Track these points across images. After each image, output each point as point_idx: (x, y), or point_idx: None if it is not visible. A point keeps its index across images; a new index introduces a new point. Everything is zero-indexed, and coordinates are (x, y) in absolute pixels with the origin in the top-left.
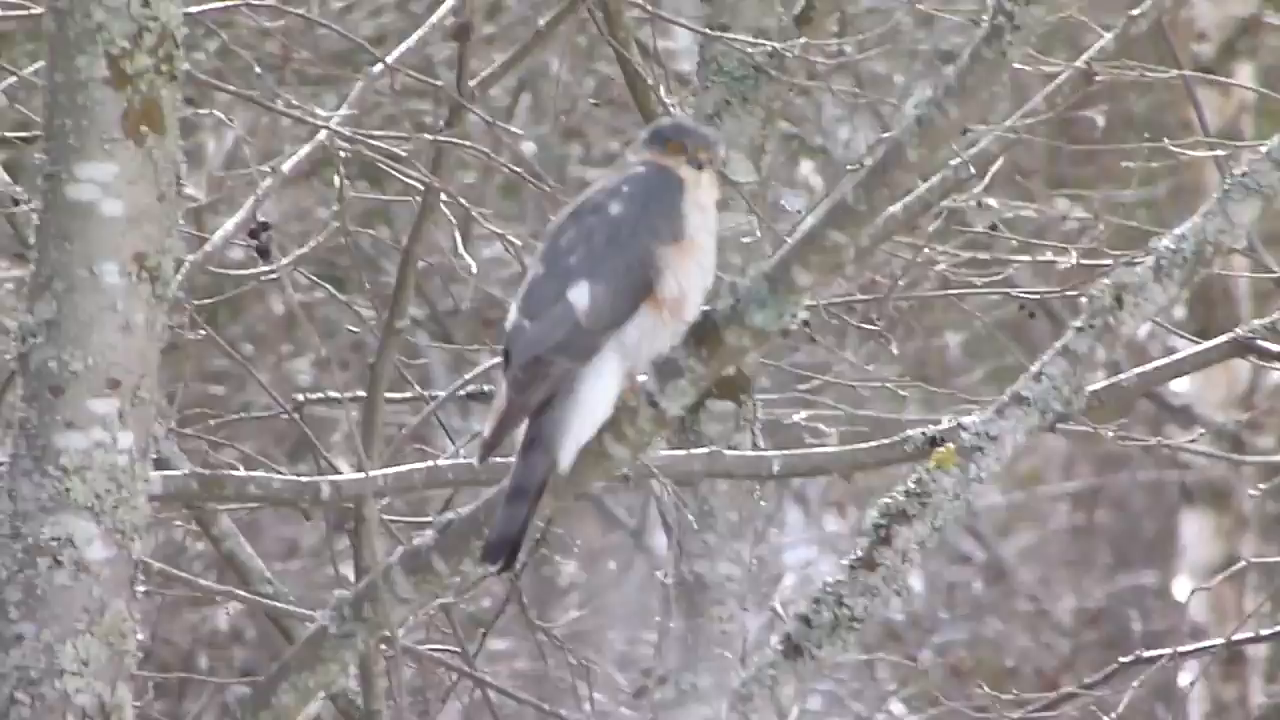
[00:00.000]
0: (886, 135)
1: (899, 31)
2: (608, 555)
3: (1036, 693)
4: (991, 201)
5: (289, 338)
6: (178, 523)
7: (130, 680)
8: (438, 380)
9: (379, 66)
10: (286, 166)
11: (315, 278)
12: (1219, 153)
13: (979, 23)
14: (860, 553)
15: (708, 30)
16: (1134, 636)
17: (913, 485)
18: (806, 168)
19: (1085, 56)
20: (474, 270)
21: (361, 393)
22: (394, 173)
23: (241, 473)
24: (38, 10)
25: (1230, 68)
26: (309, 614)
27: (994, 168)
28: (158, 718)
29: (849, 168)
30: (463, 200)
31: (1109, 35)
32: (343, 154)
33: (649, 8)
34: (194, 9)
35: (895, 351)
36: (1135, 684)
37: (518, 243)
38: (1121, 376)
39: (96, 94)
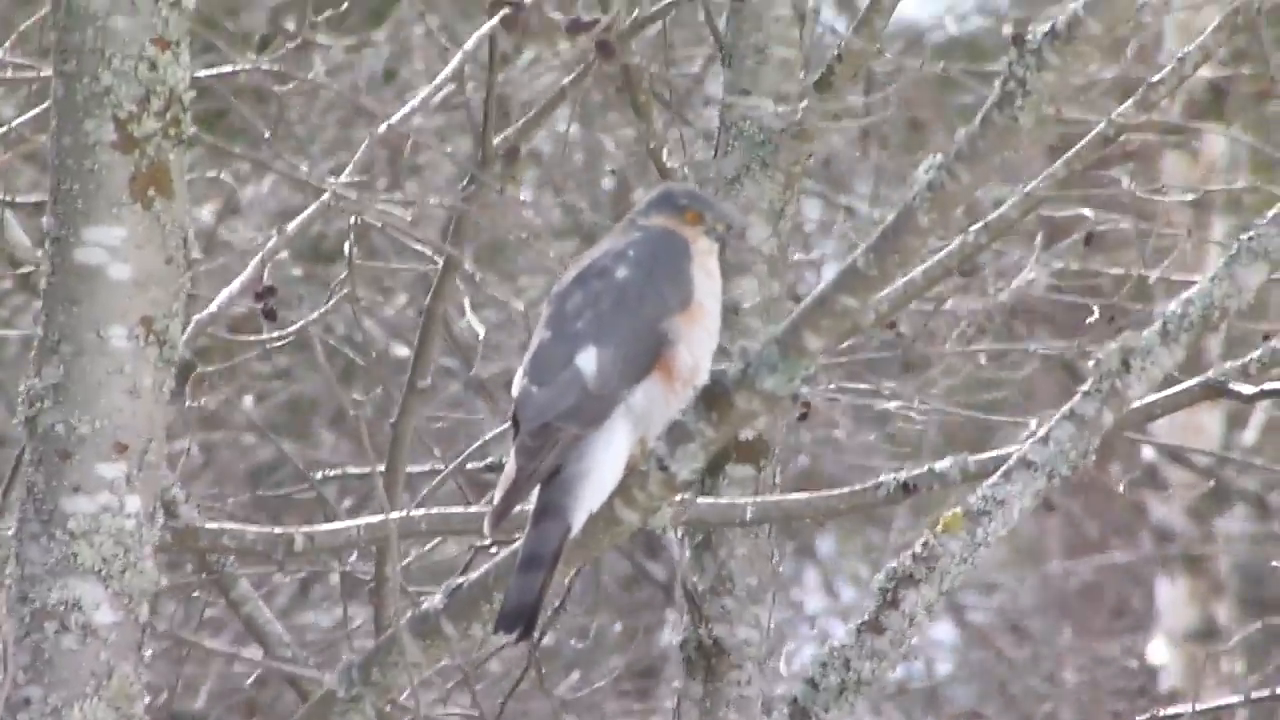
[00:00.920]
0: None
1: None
2: (638, 610)
3: None
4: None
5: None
6: (196, 594)
7: None
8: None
9: (383, 127)
10: (291, 228)
11: (333, 342)
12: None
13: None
14: (867, 616)
15: (728, 97)
16: (1108, 700)
17: (920, 549)
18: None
19: (1105, 122)
20: (481, 335)
21: (381, 467)
22: (407, 238)
23: (214, 524)
24: (45, 73)
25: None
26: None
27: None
28: None
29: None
30: (468, 264)
31: (1129, 102)
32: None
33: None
34: (201, 73)
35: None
36: None
37: (520, 308)
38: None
39: (104, 157)
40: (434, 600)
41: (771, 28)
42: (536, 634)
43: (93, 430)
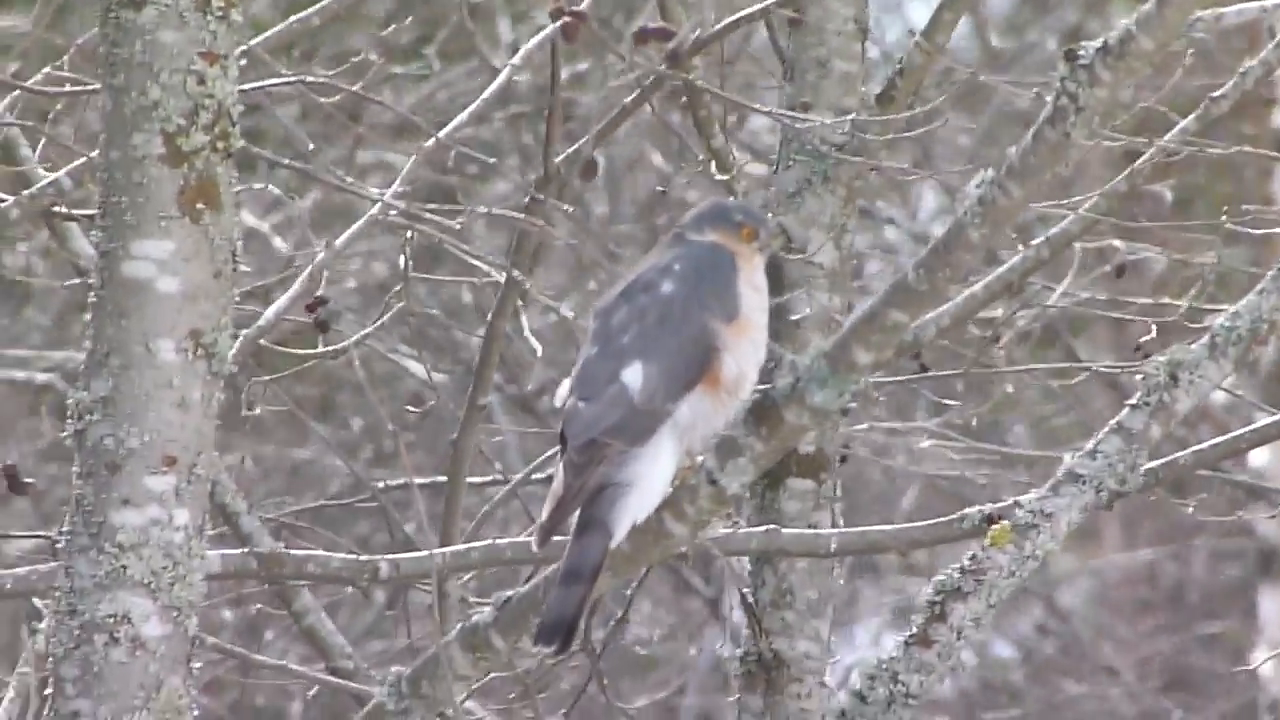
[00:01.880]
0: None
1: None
2: (682, 625)
3: None
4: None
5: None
6: (258, 605)
7: None
8: (512, 462)
9: (431, 141)
10: (340, 241)
11: (387, 354)
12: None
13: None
14: (915, 629)
15: (789, 112)
16: (1209, 710)
17: (968, 562)
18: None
19: (1168, 137)
20: (539, 353)
21: (441, 477)
22: (463, 254)
23: (300, 551)
24: (94, 87)
25: None
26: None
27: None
28: None
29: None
30: (517, 275)
31: (1190, 116)
32: (407, 232)
33: (727, 96)
34: (249, 85)
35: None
36: None
37: (571, 315)
38: (1178, 455)
39: (153, 171)
40: (484, 613)
41: (833, 41)
42: (599, 646)
43: (141, 443)
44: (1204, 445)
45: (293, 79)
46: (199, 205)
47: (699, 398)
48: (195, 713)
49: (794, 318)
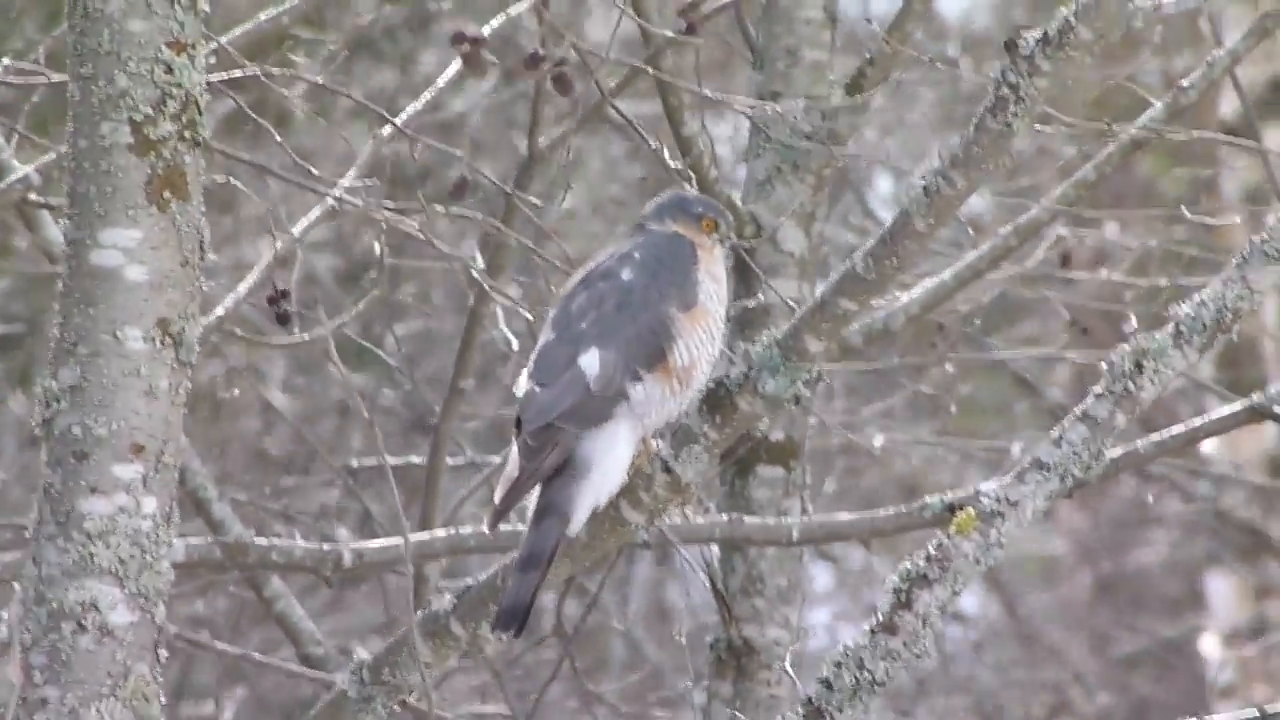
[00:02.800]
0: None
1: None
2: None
3: None
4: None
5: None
6: (232, 587)
7: None
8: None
9: (388, 129)
10: (298, 230)
11: (359, 339)
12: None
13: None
14: (881, 616)
15: (758, 100)
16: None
17: (933, 550)
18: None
19: (1135, 126)
20: (515, 346)
21: (414, 458)
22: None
23: (264, 540)
24: (60, 77)
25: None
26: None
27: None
28: None
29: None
30: (475, 271)
31: (1158, 105)
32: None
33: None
34: (215, 76)
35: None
36: None
37: (530, 317)
38: (1138, 443)
39: (120, 160)
40: (443, 600)
41: (803, 30)
42: (571, 629)
43: (109, 432)
44: (1164, 435)
45: (256, 71)
46: (166, 194)
47: (654, 384)
48: (162, 701)
49: (751, 305)
